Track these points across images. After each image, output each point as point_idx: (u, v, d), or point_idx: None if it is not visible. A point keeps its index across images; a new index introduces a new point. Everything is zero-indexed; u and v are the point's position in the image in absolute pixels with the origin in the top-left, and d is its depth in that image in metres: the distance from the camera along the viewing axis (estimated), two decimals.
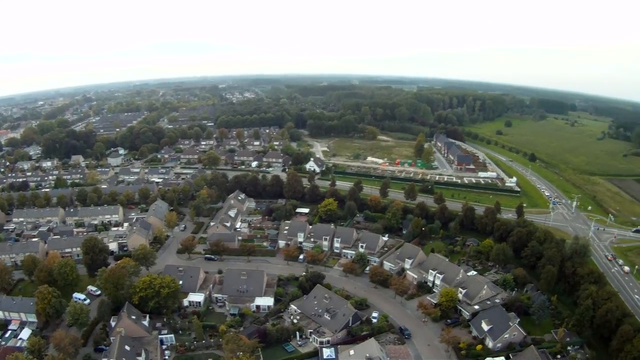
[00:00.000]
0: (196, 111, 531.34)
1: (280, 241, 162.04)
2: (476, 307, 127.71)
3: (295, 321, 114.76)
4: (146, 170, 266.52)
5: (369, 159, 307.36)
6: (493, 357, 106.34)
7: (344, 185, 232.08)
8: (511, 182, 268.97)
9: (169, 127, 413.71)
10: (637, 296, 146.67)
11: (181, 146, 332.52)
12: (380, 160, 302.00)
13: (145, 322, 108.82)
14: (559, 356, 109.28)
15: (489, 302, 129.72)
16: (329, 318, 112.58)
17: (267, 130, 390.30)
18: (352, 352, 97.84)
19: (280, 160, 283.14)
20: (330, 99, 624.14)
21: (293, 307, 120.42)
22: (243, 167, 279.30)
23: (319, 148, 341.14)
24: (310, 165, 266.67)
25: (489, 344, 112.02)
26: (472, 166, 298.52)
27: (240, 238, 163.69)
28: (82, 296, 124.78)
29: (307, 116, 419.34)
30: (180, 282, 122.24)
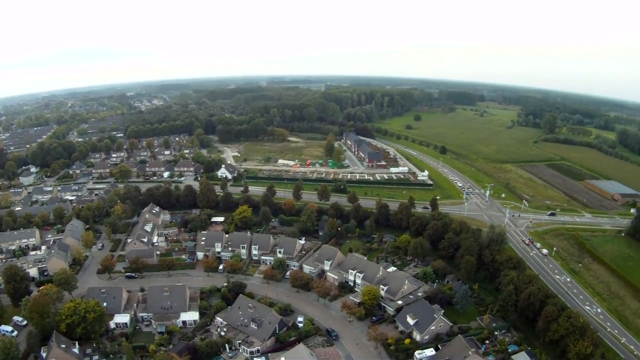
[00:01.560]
0: (105, 122, 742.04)
1: (198, 253, 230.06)
2: (399, 302, 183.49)
3: (222, 333, 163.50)
4: (59, 188, 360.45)
5: (280, 161, 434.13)
6: (422, 349, 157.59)
7: (257, 190, 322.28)
8: (423, 175, 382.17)
9: (79, 140, 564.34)
10: (557, 277, 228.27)
11: (92, 160, 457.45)
12: (292, 162, 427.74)
13: (76, 350, 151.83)
14: (487, 342, 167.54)
15: (411, 297, 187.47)
16: (256, 327, 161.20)
17: (177, 138, 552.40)
18: (282, 359, 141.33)
19: (191, 169, 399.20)
20: (238, 102, 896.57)
21: (219, 319, 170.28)
22: (155, 178, 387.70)
23: (229, 154, 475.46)
24: (222, 172, 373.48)
25: (417, 337, 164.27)
26: (383, 162, 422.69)
27: (158, 253, 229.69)
28: (9, 328, 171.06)
29: (216, 121, 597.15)
30: (105, 304, 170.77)
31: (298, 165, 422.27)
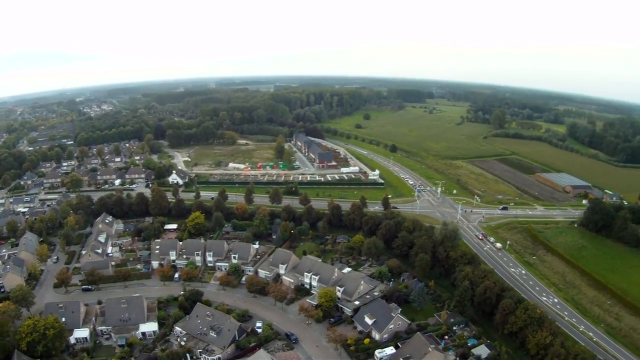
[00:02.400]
0: (55, 129, 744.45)
1: (153, 262, 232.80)
2: (356, 302, 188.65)
3: (182, 343, 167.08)
4: (11, 200, 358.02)
5: (231, 165, 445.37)
6: (382, 348, 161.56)
7: (209, 195, 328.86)
8: (374, 174, 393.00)
9: (29, 149, 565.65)
10: (512, 270, 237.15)
11: (43, 170, 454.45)
12: (242, 166, 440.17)
13: None
14: (446, 337, 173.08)
15: (368, 297, 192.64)
16: (215, 335, 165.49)
17: (127, 145, 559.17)
18: None
19: (142, 175, 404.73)
20: (188, 105, 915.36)
21: (178, 329, 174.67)
22: (107, 186, 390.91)
23: (180, 159, 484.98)
24: (173, 178, 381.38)
25: (376, 336, 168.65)
26: (333, 163, 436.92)
27: (113, 263, 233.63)
28: None
29: (166, 126, 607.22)
30: (63, 319, 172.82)
31: (249, 168, 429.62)
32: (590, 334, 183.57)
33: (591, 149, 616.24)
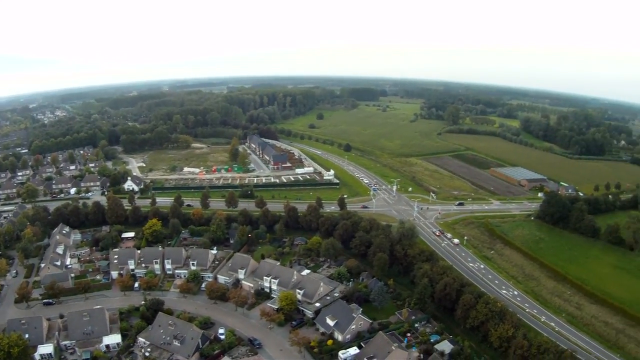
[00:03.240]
0: (9, 138, 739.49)
1: (112, 272, 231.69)
2: (317, 304, 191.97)
3: (147, 354, 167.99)
4: None
5: (186, 169, 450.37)
6: (345, 349, 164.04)
7: (165, 201, 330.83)
8: (329, 175, 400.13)
9: None
10: (471, 264, 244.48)
11: None
12: (197, 170, 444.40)
13: None
14: (408, 335, 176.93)
15: (328, 298, 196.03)
16: (179, 344, 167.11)
17: (82, 152, 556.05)
18: None
19: (98, 183, 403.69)
20: (141, 109, 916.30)
21: (141, 339, 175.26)
22: (62, 195, 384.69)
23: (135, 164, 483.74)
24: (129, 185, 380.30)
25: (338, 337, 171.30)
26: (288, 164, 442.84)
27: (73, 275, 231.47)
28: None
29: (119, 131, 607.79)
30: (26, 336, 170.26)
31: (204, 172, 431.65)
32: (552, 324, 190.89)
33: (545, 143, 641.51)
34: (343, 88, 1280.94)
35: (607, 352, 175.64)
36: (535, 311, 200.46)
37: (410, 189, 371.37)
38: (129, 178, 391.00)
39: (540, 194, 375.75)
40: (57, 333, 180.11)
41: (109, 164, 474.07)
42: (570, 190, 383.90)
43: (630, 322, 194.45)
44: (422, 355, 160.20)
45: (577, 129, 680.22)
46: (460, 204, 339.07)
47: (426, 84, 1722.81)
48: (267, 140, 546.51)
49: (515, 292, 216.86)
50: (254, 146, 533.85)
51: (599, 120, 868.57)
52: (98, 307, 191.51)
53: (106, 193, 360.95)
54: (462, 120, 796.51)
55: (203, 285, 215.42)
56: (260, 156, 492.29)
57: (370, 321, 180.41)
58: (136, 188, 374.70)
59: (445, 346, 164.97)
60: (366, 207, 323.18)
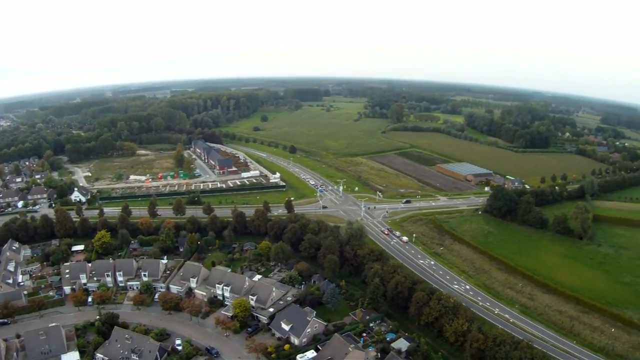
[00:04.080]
0: None
1: (65, 287, 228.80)
2: (271, 309, 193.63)
3: None
4: None
5: (132, 177, 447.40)
6: (303, 352, 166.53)
7: (112, 211, 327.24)
8: (275, 177, 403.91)
9: None
10: (421, 261, 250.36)
11: None
12: (143, 177, 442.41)
13: None
14: (364, 335, 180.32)
15: (282, 302, 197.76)
16: (137, 358, 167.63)
17: (27, 163, 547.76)
18: None
19: (45, 195, 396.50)
20: (85, 117, 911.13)
21: (99, 355, 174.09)
22: (10, 209, 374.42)
23: (80, 174, 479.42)
24: (76, 196, 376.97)
25: (295, 341, 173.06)
26: (234, 168, 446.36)
27: (26, 293, 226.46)
28: None
29: (64, 140, 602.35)
30: None
31: (150, 180, 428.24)
32: (506, 315, 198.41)
33: (490, 137, 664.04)
34: (287, 89, 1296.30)
35: (563, 340, 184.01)
36: (488, 304, 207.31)
37: (356, 188, 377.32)
38: (76, 189, 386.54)
39: (486, 188, 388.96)
40: (15, 354, 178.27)
41: (55, 175, 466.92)
42: (516, 184, 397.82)
43: (584, 309, 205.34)
44: (379, 354, 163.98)
45: (521, 123, 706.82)
46: (408, 202, 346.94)
47: (369, 83, 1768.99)
48: (212, 145, 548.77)
49: (467, 287, 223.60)
50: (199, 151, 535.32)
51: (543, 113, 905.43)
52: (54, 324, 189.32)
53: (54, 205, 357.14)
54: (407, 118, 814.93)
55: (156, 296, 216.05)
56: (206, 161, 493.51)
57: (325, 323, 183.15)
58: (83, 199, 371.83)
59: (402, 344, 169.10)
60: (326, 207, 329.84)
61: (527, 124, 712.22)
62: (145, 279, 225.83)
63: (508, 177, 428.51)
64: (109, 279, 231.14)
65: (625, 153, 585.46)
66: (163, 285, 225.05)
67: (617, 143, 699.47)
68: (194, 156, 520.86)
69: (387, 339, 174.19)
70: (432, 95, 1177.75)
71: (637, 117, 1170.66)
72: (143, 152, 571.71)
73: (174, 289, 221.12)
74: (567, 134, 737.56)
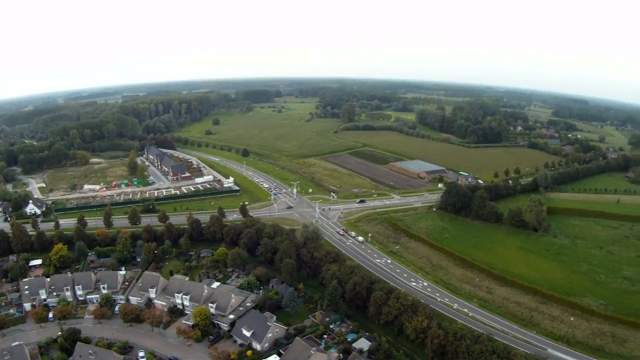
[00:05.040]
0: None
1: (25, 304, 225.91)
2: (231, 316, 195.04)
3: None
4: None
5: (86, 187, 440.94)
6: (265, 358, 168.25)
7: (68, 223, 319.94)
8: (229, 182, 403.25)
9: None
10: (378, 261, 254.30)
11: None
12: (98, 187, 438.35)
13: None
14: (325, 336, 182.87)
15: (241, 309, 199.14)
16: None
17: None
18: None
19: (0, 209, 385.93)
20: (38, 126, 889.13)
21: None
22: None
23: (35, 185, 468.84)
24: (31, 209, 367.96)
25: (257, 347, 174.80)
26: (187, 174, 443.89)
27: None
28: None
29: (17, 151, 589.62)
30: None
31: (104, 189, 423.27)
32: (465, 310, 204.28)
33: (442, 134, 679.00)
34: (238, 91, 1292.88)
35: (523, 331, 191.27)
36: (447, 299, 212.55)
37: (310, 190, 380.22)
38: (30, 201, 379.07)
39: (440, 185, 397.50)
40: None
41: (9, 187, 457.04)
42: (470, 179, 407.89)
43: (542, 300, 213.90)
44: (341, 355, 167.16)
45: (473, 119, 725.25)
46: (362, 201, 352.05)
47: (320, 82, 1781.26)
48: (165, 151, 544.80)
49: (425, 283, 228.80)
50: (152, 157, 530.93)
51: (495, 108, 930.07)
52: (17, 343, 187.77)
53: (9, 219, 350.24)
54: (358, 117, 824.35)
55: (116, 309, 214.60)
56: (159, 167, 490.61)
57: (286, 327, 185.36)
58: (38, 211, 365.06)
59: (363, 344, 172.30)
60: (291, 207, 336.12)
61: (478, 119, 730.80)
62: (104, 291, 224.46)
63: (461, 173, 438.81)
64: (68, 294, 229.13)
65: (578, 145, 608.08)
66: (122, 297, 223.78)
67: (570, 135, 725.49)
68: (147, 163, 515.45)
69: (348, 339, 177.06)
70: (383, 94, 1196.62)
71: (589, 110, 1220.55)
72: (96, 160, 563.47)
73: (134, 300, 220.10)
74: (519, 128, 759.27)
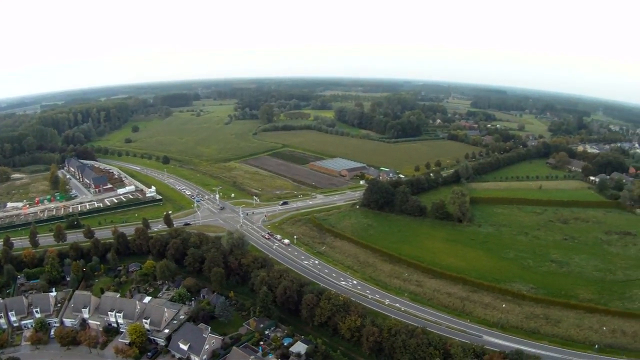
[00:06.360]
0: None
1: None
2: (166, 331, 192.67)
3: None
4: None
5: (9, 205, 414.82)
6: None
7: None
8: (151, 191, 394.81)
9: None
10: (305, 262, 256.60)
11: None
12: (21, 204, 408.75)
13: None
14: (262, 343, 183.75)
15: (175, 322, 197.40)
16: None
17: None
18: None
19: None
20: None
21: None
22: None
23: None
24: None
25: None
26: (109, 185, 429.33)
27: None
28: None
29: None
30: None
31: (27, 206, 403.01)
32: (397, 305, 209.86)
33: (362, 130, 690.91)
34: (156, 95, 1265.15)
35: (456, 320, 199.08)
36: (378, 296, 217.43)
37: (233, 194, 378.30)
38: None
39: (362, 182, 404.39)
40: None
41: None
42: (391, 175, 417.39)
43: (472, 289, 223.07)
44: None
45: (392, 114, 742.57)
46: (285, 203, 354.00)
47: (238, 83, 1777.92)
48: (86, 162, 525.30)
49: (355, 282, 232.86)
50: (73, 170, 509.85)
51: (413, 103, 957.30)
52: None
53: None
54: (277, 117, 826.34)
55: (52, 333, 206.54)
56: (81, 180, 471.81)
57: (222, 337, 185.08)
58: None
59: (300, 347, 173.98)
60: (224, 208, 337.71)
61: (397, 114, 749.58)
62: (37, 315, 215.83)
63: (382, 168, 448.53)
64: (2, 321, 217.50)
65: (497, 135, 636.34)
66: (57, 319, 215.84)
67: (489, 125, 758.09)
68: (68, 176, 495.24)
69: (285, 344, 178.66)
70: (301, 93, 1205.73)
71: (507, 99, 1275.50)
72: (18, 175, 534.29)
73: (68, 322, 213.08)
74: (438, 120, 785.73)
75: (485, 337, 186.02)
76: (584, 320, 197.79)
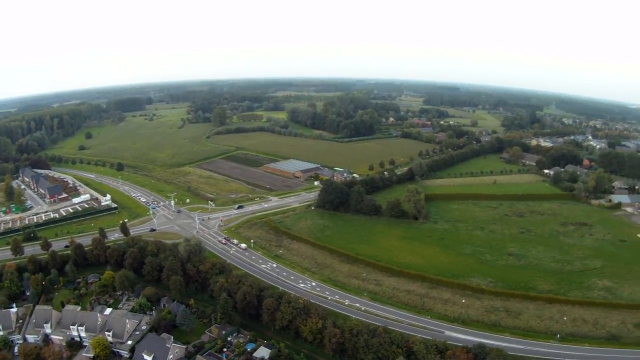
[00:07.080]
0: None
1: None
2: (129, 342, 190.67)
3: None
4: None
5: None
6: None
7: None
8: (106, 200, 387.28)
9: None
10: (263, 266, 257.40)
11: None
12: None
13: None
14: (225, 350, 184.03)
15: (137, 333, 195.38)
16: None
17: None
18: None
19: None
20: None
21: None
22: None
23: None
24: None
25: None
26: (64, 195, 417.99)
27: None
28: None
29: None
30: None
31: None
32: (357, 305, 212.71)
33: (315, 130, 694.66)
34: (109, 101, 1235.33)
35: (417, 317, 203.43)
36: (337, 297, 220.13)
37: (188, 200, 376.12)
38: None
39: (316, 183, 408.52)
40: None
41: None
42: (345, 174, 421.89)
43: (431, 285, 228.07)
44: None
45: (344, 113, 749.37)
46: (240, 207, 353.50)
47: (191, 86, 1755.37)
48: (40, 171, 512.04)
49: (314, 283, 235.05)
50: (27, 180, 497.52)
51: (366, 102, 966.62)
52: None
53: None
54: (230, 120, 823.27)
55: (16, 350, 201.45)
56: (36, 190, 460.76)
57: (185, 346, 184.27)
58: None
59: (264, 352, 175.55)
60: (180, 211, 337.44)
61: (350, 113, 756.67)
62: (0, 332, 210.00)
63: (336, 168, 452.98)
64: None
65: (451, 131, 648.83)
66: (19, 336, 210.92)
67: (442, 122, 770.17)
68: (23, 186, 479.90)
69: (248, 349, 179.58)
70: (253, 94, 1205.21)
71: (459, 96, 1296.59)
72: None
73: (31, 338, 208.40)
74: (391, 119, 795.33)
75: (447, 333, 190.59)
76: (544, 310, 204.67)
